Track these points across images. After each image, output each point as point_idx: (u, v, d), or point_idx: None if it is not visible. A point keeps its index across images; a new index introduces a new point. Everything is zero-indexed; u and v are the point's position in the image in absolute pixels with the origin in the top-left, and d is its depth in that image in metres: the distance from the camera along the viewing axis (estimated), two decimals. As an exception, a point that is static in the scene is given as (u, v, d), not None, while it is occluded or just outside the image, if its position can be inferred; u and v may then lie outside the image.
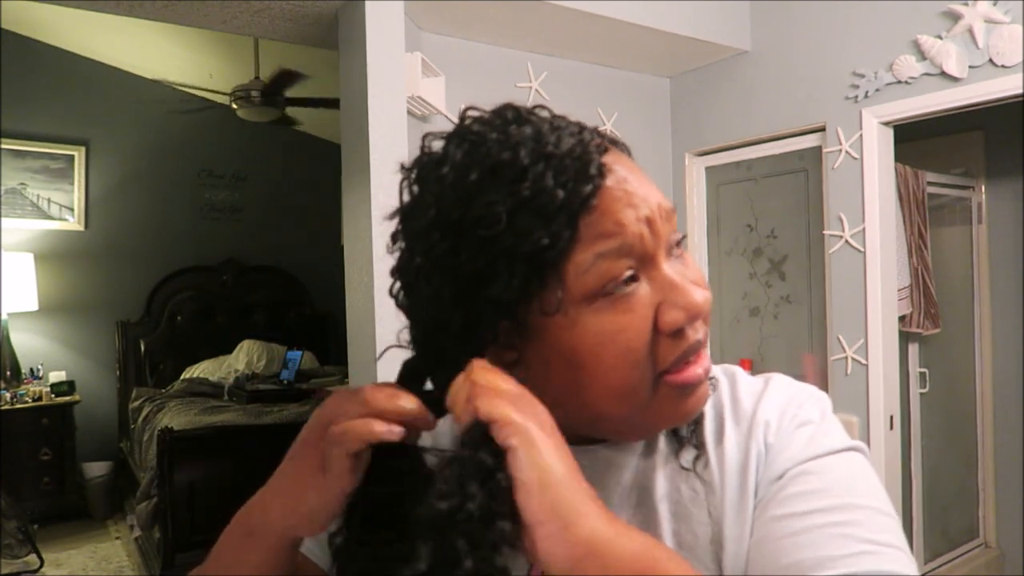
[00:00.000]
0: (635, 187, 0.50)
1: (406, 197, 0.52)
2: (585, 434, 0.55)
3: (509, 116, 0.50)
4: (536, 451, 0.43)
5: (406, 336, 0.54)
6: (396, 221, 0.53)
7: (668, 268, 0.50)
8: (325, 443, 0.47)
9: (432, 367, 0.52)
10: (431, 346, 0.52)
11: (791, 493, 0.51)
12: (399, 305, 0.53)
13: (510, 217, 0.46)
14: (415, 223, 0.50)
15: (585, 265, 0.47)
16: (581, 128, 0.51)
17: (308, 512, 0.49)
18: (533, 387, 0.53)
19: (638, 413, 0.51)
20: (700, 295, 0.50)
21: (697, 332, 0.51)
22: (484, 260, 0.47)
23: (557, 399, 0.52)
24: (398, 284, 0.53)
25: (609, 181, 0.49)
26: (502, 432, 0.43)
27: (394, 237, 0.53)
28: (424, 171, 0.51)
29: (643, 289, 0.50)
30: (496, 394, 0.45)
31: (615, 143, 0.54)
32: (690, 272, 0.52)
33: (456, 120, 0.53)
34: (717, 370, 0.62)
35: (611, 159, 0.50)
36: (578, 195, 0.47)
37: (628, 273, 0.49)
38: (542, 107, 0.53)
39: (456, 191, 0.48)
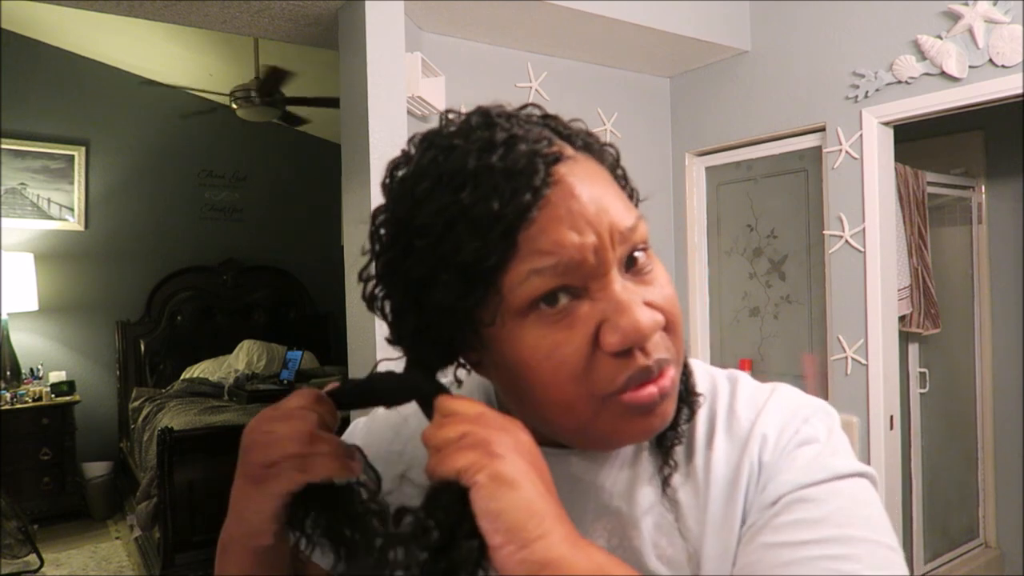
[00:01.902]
0: (583, 206, 0.47)
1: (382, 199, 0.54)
2: (555, 439, 0.55)
3: (474, 122, 0.49)
4: (496, 484, 0.44)
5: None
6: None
7: (619, 287, 0.48)
8: (259, 471, 0.50)
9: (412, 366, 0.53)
10: (401, 348, 0.53)
11: (786, 521, 0.49)
12: (369, 309, 0.55)
13: (447, 227, 0.46)
14: (375, 226, 0.52)
15: (519, 279, 0.47)
16: (544, 136, 0.49)
17: (251, 527, 0.51)
18: (497, 383, 0.55)
19: (587, 427, 0.50)
20: (647, 317, 0.47)
21: (649, 357, 0.48)
22: (424, 267, 0.48)
23: (514, 401, 0.53)
24: (366, 288, 0.54)
25: (555, 195, 0.47)
26: (465, 477, 0.45)
27: (371, 258, 0.54)
28: (393, 173, 0.52)
29: (585, 307, 0.48)
30: (451, 450, 0.46)
31: (590, 148, 0.53)
32: (651, 291, 0.50)
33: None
34: (721, 375, 0.60)
35: (567, 170, 0.48)
36: (514, 208, 0.46)
37: (562, 294, 0.48)
38: (535, 105, 0.52)
39: (409, 198, 0.49)
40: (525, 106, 0.53)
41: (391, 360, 0.55)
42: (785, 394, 0.57)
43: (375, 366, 0.55)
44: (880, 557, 0.47)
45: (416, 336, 0.51)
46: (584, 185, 0.48)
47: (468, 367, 0.55)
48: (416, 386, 0.52)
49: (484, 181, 0.46)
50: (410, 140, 0.53)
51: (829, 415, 0.56)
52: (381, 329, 2.07)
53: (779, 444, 0.53)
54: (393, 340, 0.53)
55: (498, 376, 0.53)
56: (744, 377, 0.59)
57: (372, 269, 0.53)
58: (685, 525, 0.53)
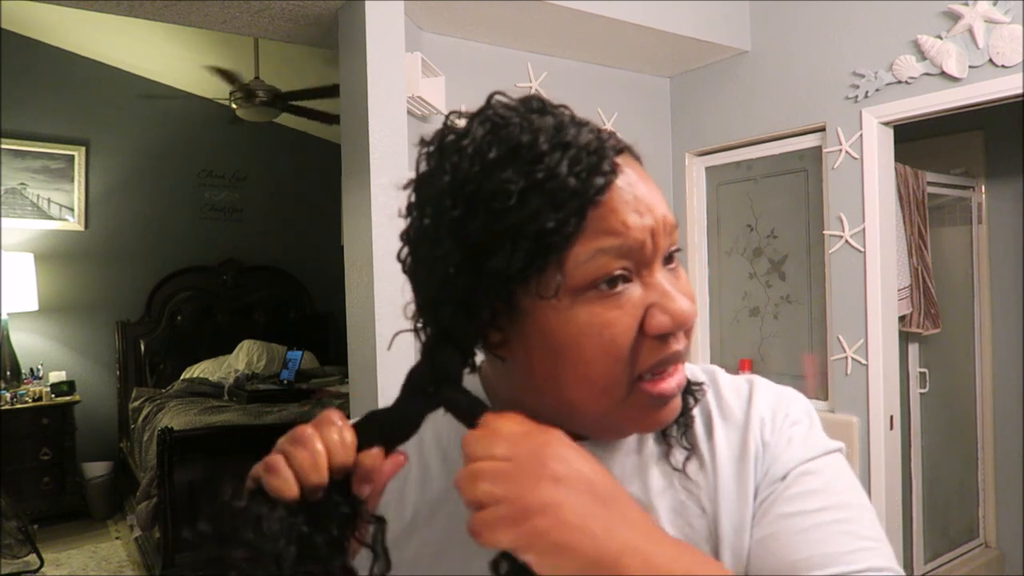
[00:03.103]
0: (644, 194, 0.51)
1: (423, 168, 0.53)
2: (565, 428, 0.56)
3: (534, 106, 0.51)
4: (553, 556, 0.44)
5: (410, 312, 0.55)
6: (409, 193, 0.55)
7: (662, 276, 0.52)
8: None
9: (434, 345, 0.52)
10: (431, 316, 0.53)
11: (797, 492, 0.54)
12: (405, 271, 0.54)
13: (522, 196, 0.47)
14: (429, 188, 0.52)
15: (584, 257, 0.49)
16: (599, 129, 0.53)
17: None
18: (514, 370, 0.55)
19: (611, 412, 0.53)
20: (687, 305, 0.51)
21: (679, 342, 0.52)
22: (491, 233, 0.48)
23: (535, 387, 0.54)
24: (406, 249, 0.54)
25: (620, 181, 0.50)
26: (518, 554, 0.44)
27: (408, 209, 0.54)
28: (445, 143, 0.52)
29: (635, 291, 0.51)
30: (490, 522, 0.45)
31: (629, 150, 0.56)
32: (681, 285, 0.54)
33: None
34: (698, 370, 0.64)
35: (624, 161, 0.52)
36: (590, 186, 0.48)
37: (621, 274, 0.50)
38: (565, 107, 0.54)
39: (474, 165, 0.49)
40: (561, 105, 0.55)
41: (407, 331, 0.56)
42: (764, 383, 0.63)
43: (392, 338, 0.58)
44: (869, 519, 0.54)
45: (456, 304, 0.51)
46: (640, 178, 0.53)
47: (490, 348, 0.55)
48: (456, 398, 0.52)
49: (560, 156, 0.48)
50: (451, 114, 0.54)
51: (804, 401, 0.62)
52: (381, 329, 2.06)
53: (775, 425, 0.58)
54: (425, 306, 0.53)
55: (526, 357, 0.53)
56: (719, 370, 0.65)
57: (414, 234, 0.53)
58: (699, 504, 0.57)
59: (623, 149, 0.53)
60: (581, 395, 0.52)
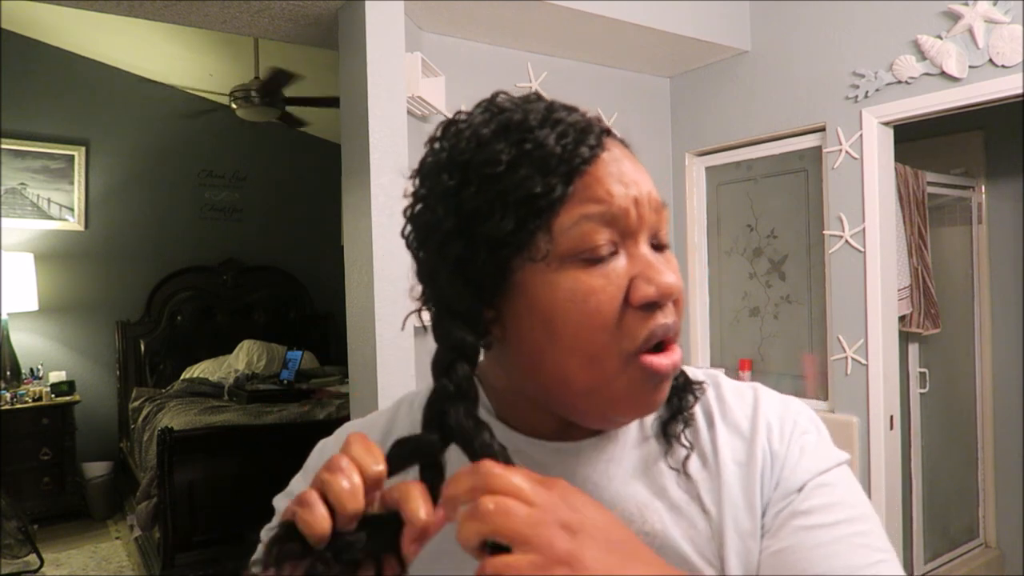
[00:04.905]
0: (629, 169, 0.53)
1: (427, 154, 0.57)
2: (559, 411, 0.56)
3: (532, 97, 0.56)
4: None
5: (416, 294, 0.57)
6: (414, 178, 0.57)
7: (647, 251, 0.53)
8: None
9: (437, 321, 0.53)
10: (431, 288, 0.55)
11: (815, 505, 0.54)
12: (408, 246, 0.57)
13: (510, 164, 0.51)
14: (427, 166, 0.55)
15: (569, 223, 0.51)
16: (590, 115, 0.56)
17: None
18: (508, 353, 0.55)
19: (602, 387, 0.52)
20: (672, 278, 0.53)
21: (667, 316, 0.53)
22: (483, 199, 0.51)
23: (529, 366, 0.54)
24: (409, 227, 0.56)
25: (606, 155, 0.53)
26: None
27: (414, 195, 0.56)
28: (447, 128, 0.56)
29: (620, 262, 0.52)
30: (518, 567, 0.41)
31: (621, 140, 0.58)
32: (669, 265, 0.55)
33: None
34: (700, 373, 0.64)
35: (612, 143, 0.55)
36: (575, 155, 0.51)
37: (606, 243, 0.51)
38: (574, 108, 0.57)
39: (470, 142, 0.53)
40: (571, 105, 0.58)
41: (414, 311, 0.57)
42: (768, 391, 0.63)
43: (405, 319, 0.59)
44: (879, 530, 0.54)
45: (453, 271, 0.52)
46: (627, 158, 0.55)
47: (486, 326, 0.54)
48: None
49: (549, 131, 0.51)
50: (456, 113, 0.57)
51: (810, 411, 0.62)
52: (381, 329, 2.06)
53: (783, 434, 0.58)
54: (425, 278, 0.55)
55: (518, 330, 0.53)
56: (721, 375, 0.65)
57: (414, 210, 0.56)
58: (702, 504, 0.56)
59: (612, 133, 0.56)
60: (572, 366, 0.51)
